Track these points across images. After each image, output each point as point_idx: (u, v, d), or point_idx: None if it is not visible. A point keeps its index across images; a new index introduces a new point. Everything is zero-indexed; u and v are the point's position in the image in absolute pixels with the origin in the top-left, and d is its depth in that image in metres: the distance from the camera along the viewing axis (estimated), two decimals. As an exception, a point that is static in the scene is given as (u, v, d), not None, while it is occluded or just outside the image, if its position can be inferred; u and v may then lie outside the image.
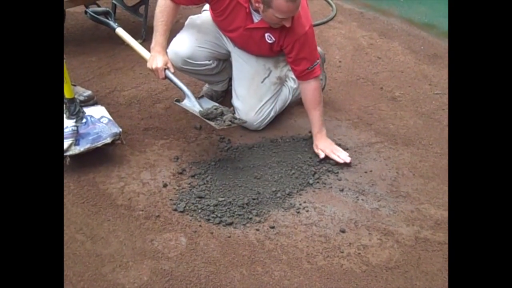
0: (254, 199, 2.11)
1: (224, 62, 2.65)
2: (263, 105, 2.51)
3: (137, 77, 3.00)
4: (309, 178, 2.25)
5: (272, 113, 2.57)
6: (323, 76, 2.80)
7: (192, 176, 2.24)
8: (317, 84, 2.40)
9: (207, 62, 2.52)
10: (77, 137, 2.18)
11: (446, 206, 2.14)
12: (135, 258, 1.83)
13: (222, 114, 2.28)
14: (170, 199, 2.11)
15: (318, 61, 2.38)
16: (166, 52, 2.35)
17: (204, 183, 2.19)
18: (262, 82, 2.50)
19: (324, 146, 2.39)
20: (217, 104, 2.38)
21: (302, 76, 2.39)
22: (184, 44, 2.45)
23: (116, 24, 2.54)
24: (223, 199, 2.09)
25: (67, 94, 2.18)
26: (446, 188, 2.24)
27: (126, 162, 2.31)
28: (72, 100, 2.21)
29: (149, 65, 2.32)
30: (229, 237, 1.94)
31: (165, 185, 2.18)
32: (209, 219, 2.01)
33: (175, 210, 2.05)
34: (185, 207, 2.06)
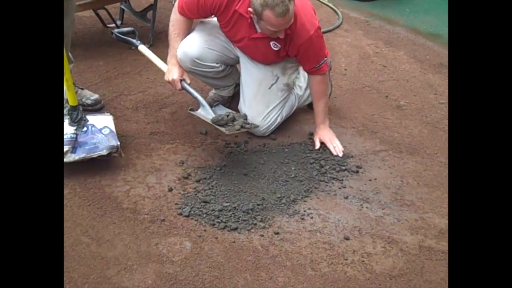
0: (258, 204, 2.11)
1: (231, 67, 2.68)
2: (270, 111, 2.52)
3: (144, 82, 3.02)
4: (314, 185, 2.26)
5: (279, 119, 2.58)
6: (329, 84, 2.81)
7: (198, 181, 2.25)
8: (323, 78, 2.49)
9: (215, 64, 2.54)
10: (75, 145, 2.18)
11: (450, 215, 2.14)
12: (140, 262, 1.84)
13: (233, 119, 2.35)
14: (175, 204, 2.12)
15: (325, 59, 2.43)
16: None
17: (209, 188, 2.20)
18: (270, 88, 2.52)
19: (324, 135, 2.52)
20: (229, 111, 2.44)
21: (309, 72, 2.50)
22: (194, 45, 2.48)
23: (139, 42, 2.68)
24: (228, 204, 2.10)
25: (70, 101, 2.19)
26: (450, 197, 2.24)
27: (132, 166, 2.32)
28: (75, 107, 2.21)
29: (166, 77, 2.47)
30: (234, 242, 1.95)
31: (170, 189, 2.19)
32: (213, 224, 2.02)
33: (180, 214, 2.06)
34: (190, 211, 2.07)
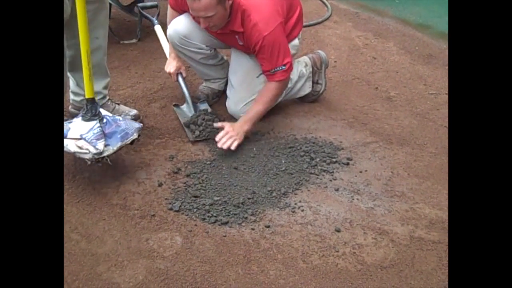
0: (249, 198, 2.11)
1: (223, 59, 2.72)
2: (253, 99, 2.53)
3: (133, 77, 2.99)
4: (305, 177, 2.26)
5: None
6: (323, 81, 2.80)
7: (188, 176, 2.24)
8: (274, 86, 2.43)
9: (203, 46, 2.57)
10: (104, 137, 2.09)
11: (441, 206, 2.15)
12: (131, 257, 1.83)
13: (201, 124, 2.47)
14: (166, 198, 2.11)
15: (282, 67, 2.37)
16: (180, 59, 2.65)
17: (200, 183, 2.19)
18: (257, 77, 2.53)
19: (232, 125, 2.40)
20: (205, 111, 2.57)
21: (264, 74, 2.45)
22: (184, 22, 2.53)
23: (157, 21, 2.83)
24: (218, 198, 2.09)
25: (87, 93, 2.06)
26: (440, 187, 2.25)
27: (121, 161, 2.30)
28: (93, 100, 2.09)
29: (165, 68, 2.69)
30: (225, 236, 1.94)
31: (160, 184, 2.18)
32: (204, 218, 2.01)
33: (171, 209, 2.05)
34: (180, 206, 2.06)
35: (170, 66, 2.64)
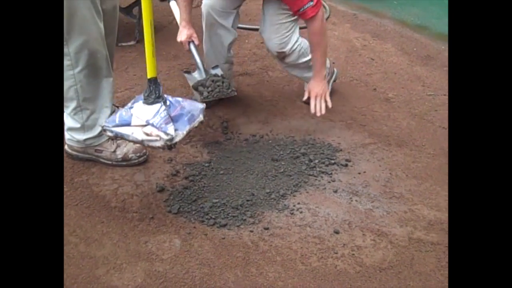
0: (248, 200, 2.11)
1: (232, 63, 2.74)
2: (282, 25, 2.52)
3: (131, 79, 2.99)
4: (303, 179, 2.26)
5: (298, 43, 2.58)
6: (330, 87, 2.79)
7: (186, 178, 2.23)
8: (313, 26, 2.43)
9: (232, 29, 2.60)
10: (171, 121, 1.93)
11: (439, 207, 2.15)
12: (129, 260, 1.83)
13: (210, 86, 2.42)
14: (164, 201, 2.11)
15: (309, 4, 2.36)
16: (191, 26, 2.54)
17: (198, 185, 2.19)
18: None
19: (313, 87, 2.51)
20: (215, 75, 2.49)
21: (298, 16, 2.46)
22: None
23: None
24: (217, 200, 2.09)
25: (150, 73, 1.88)
26: (439, 188, 2.25)
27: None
28: (156, 80, 1.89)
29: (177, 38, 2.58)
30: (223, 238, 1.94)
31: (158, 186, 2.18)
32: (203, 221, 2.01)
33: (169, 211, 2.05)
34: (179, 208, 2.06)
35: (181, 35, 2.55)
